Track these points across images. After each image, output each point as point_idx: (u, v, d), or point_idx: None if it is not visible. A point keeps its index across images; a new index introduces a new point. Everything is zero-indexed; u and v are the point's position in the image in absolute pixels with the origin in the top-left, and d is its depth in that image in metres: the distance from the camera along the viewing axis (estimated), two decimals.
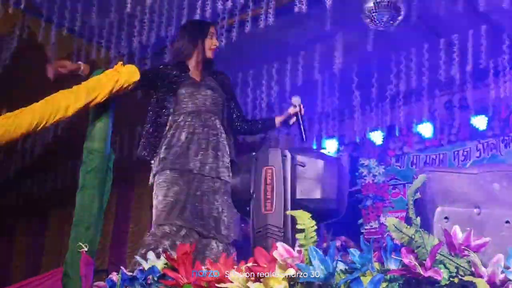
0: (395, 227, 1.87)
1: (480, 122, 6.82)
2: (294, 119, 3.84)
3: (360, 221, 7.36)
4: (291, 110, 3.81)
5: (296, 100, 3.78)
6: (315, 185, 2.57)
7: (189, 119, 3.52)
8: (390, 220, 1.89)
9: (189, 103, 3.59)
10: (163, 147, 3.42)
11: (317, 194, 2.53)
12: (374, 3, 5.20)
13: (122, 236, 8.99)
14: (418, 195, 1.92)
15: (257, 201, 2.56)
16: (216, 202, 3.40)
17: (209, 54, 3.87)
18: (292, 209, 2.48)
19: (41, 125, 2.46)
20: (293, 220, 2.45)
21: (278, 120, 3.99)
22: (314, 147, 7.66)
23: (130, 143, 7.70)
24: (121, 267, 2.57)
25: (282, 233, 2.47)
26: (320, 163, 2.61)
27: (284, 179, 2.54)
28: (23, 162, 7.90)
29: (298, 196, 2.57)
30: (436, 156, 7.18)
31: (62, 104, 2.51)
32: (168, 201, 3.23)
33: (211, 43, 3.87)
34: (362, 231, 7.22)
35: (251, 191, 2.60)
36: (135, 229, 8.98)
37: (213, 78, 3.88)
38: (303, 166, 2.61)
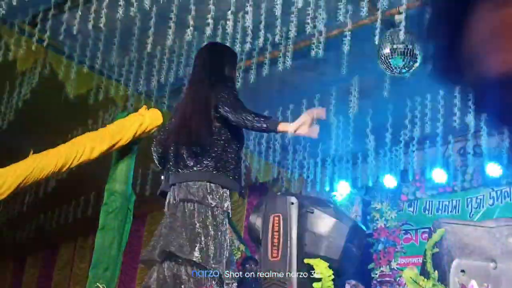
0: (412, 279, 1.88)
1: (494, 169, 6.81)
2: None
3: (372, 265, 7.31)
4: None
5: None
6: (320, 241, 2.56)
7: None
8: (408, 273, 1.90)
9: None
10: None
11: (321, 251, 2.51)
12: (390, 49, 5.26)
13: (131, 272, 8.97)
14: (436, 249, 1.93)
15: (264, 248, 2.56)
16: None
17: None
18: (300, 256, 2.48)
19: (66, 167, 2.50)
20: (300, 266, 2.46)
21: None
22: (328, 190, 7.65)
23: (142, 180, 7.74)
24: None
25: (286, 281, 2.46)
26: (331, 221, 2.59)
27: (291, 227, 2.53)
28: (36, 195, 7.95)
29: (304, 248, 2.56)
30: (449, 202, 7.16)
31: (87, 146, 2.54)
32: None
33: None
34: (373, 275, 7.16)
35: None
36: (144, 266, 8.96)
37: None
38: (311, 213, 2.62)
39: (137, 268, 9.00)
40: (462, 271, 2.08)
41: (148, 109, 2.75)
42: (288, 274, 2.43)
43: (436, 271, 1.85)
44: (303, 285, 2.18)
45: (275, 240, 2.53)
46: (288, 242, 2.47)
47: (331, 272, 1.98)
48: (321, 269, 1.99)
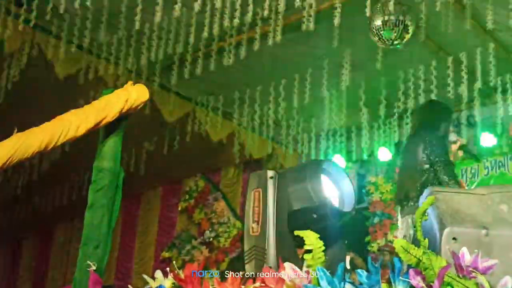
0: (403, 248, 1.86)
1: (488, 139, 6.80)
2: None
3: (368, 238, 7.33)
4: None
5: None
6: (304, 192, 2.53)
7: None
8: (398, 242, 1.88)
9: None
10: None
11: (297, 205, 2.50)
12: (382, 21, 5.21)
13: (128, 251, 8.99)
14: (426, 216, 1.92)
15: (246, 223, 2.57)
16: None
17: None
18: (281, 230, 2.47)
19: (52, 145, 2.47)
20: (279, 240, 2.46)
21: None
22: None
23: (137, 159, 7.73)
24: (129, 285, 2.56)
25: (265, 254, 2.46)
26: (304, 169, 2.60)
27: (269, 201, 2.53)
28: (30, 177, 7.94)
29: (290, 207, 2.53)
30: None
31: (73, 124, 2.51)
32: None
33: None
34: (369, 248, 7.18)
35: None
36: (141, 244, 8.98)
37: None
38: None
39: (134, 248, 9.02)
40: (454, 238, 2.07)
41: (134, 85, 2.72)
42: (267, 247, 2.42)
43: (426, 239, 1.84)
44: (291, 258, 2.15)
45: (255, 216, 2.53)
46: (267, 215, 2.47)
47: (321, 243, 1.96)
48: (311, 240, 1.97)
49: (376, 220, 7.31)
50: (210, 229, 8.39)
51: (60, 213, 8.99)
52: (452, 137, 4.74)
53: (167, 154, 7.41)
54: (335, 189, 2.64)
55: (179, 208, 8.78)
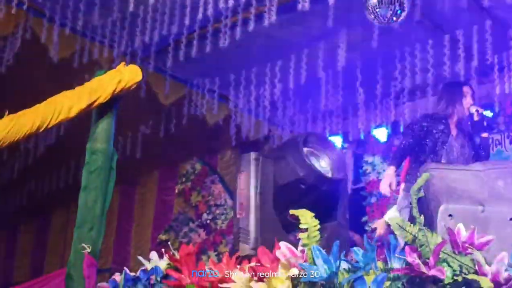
0: (399, 225, 1.85)
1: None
2: None
3: (365, 218, 7.34)
4: None
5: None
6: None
7: None
8: (394, 219, 1.87)
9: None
10: None
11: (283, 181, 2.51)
12: None
13: (125, 235, 9.00)
14: (421, 193, 1.91)
15: (234, 206, 2.57)
16: None
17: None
18: (266, 211, 2.48)
19: (44, 127, 2.45)
20: (263, 222, 2.46)
21: None
22: None
23: (133, 143, 7.71)
24: (125, 267, 2.56)
25: (249, 236, 2.46)
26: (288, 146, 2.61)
27: (251, 182, 2.52)
28: (26, 162, 7.92)
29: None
30: None
31: (65, 105, 2.50)
32: None
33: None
34: (366, 228, 7.19)
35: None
36: (138, 228, 8.99)
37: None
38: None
39: (131, 231, 9.03)
40: (450, 215, 2.06)
41: (127, 66, 2.70)
42: (248, 228, 2.43)
43: (422, 216, 1.83)
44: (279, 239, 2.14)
45: (242, 198, 2.53)
46: (253, 197, 2.48)
47: (317, 222, 1.95)
48: (307, 219, 1.96)
49: (373, 199, 7.32)
50: (207, 212, 8.40)
51: (57, 198, 8.98)
52: None
53: (163, 138, 7.39)
54: (322, 158, 2.63)
55: (176, 191, 8.78)
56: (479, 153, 4.53)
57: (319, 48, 6.20)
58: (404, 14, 5.20)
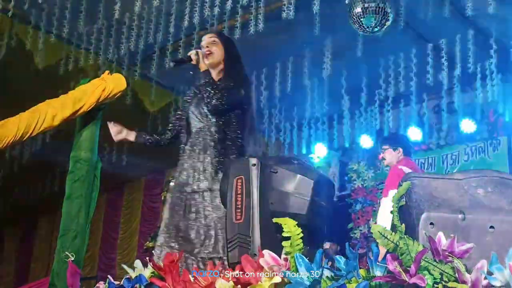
0: (380, 233, 1.87)
1: (468, 125, 6.84)
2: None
3: (350, 225, 7.36)
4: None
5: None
6: (287, 198, 2.56)
7: None
8: (375, 227, 1.89)
9: None
10: None
11: (288, 208, 2.51)
12: (362, 8, 5.22)
13: (111, 243, 8.97)
14: (403, 201, 1.93)
15: (229, 211, 2.55)
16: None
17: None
18: (265, 216, 2.47)
19: (27, 135, 2.45)
20: (264, 228, 2.46)
21: None
22: (304, 152, 7.67)
23: (119, 150, 7.69)
24: (109, 275, 2.56)
25: (250, 242, 2.46)
26: (295, 177, 2.59)
27: (252, 188, 2.52)
28: (11, 169, 7.87)
29: (270, 207, 2.55)
30: (425, 160, 7.20)
31: (49, 113, 2.50)
32: None
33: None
34: (351, 235, 7.22)
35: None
36: (124, 235, 8.96)
37: None
38: (275, 173, 2.60)
39: (117, 239, 9.00)
40: (431, 223, 2.08)
41: (111, 74, 2.71)
42: (251, 235, 2.42)
43: (403, 224, 1.85)
44: (274, 245, 2.16)
45: (238, 203, 2.51)
46: (251, 203, 2.46)
47: (299, 230, 1.97)
48: (290, 227, 1.98)
49: (358, 207, 7.35)
50: None
51: (43, 205, 8.93)
52: None
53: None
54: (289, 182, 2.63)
55: (162, 198, 8.76)
56: None
57: (304, 56, 6.24)
58: (388, 23, 5.25)
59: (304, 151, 7.64)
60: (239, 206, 2.50)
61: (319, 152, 7.81)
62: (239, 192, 2.52)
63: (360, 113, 7.13)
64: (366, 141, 7.47)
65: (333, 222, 2.94)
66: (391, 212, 1.91)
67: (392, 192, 4.53)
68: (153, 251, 3.00)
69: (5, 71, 5.83)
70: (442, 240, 1.84)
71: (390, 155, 5.24)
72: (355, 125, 7.23)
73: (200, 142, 3.22)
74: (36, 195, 8.80)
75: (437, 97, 6.74)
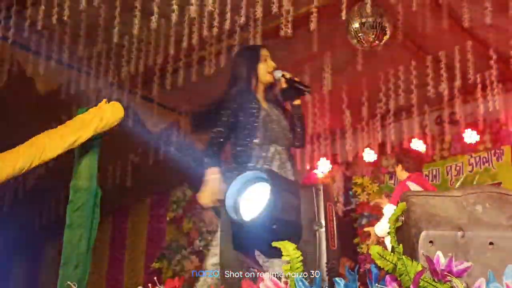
0: (379, 254, 1.87)
1: (471, 136, 6.83)
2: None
3: (357, 240, 7.34)
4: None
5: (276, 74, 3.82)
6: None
7: None
8: (374, 248, 1.89)
9: None
10: None
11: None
12: (359, 23, 5.24)
13: (118, 265, 8.95)
14: (399, 222, 1.93)
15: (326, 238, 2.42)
16: None
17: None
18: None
19: (26, 168, 2.46)
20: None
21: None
22: (309, 168, 7.66)
23: (123, 172, 7.71)
24: None
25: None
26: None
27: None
28: (16, 194, 7.88)
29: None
30: (429, 172, 7.18)
31: (47, 146, 2.51)
32: None
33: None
34: (358, 250, 7.20)
35: None
36: (130, 257, 8.95)
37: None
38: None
39: (123, 260, 8.98)
40: (431, 242, 2.08)
41: (109, 103, 2.72)
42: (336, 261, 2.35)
43: (400, 245, 1.85)
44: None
45: (330, 228, 2.42)
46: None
47: (299, 253, 1.97)
48: (289, 251, 1.98)
49: (364, 221, 7.33)
50: (199, 238, 8.38)
51: (48, 231, 8.91)
52: None
53: (152, 165, 7.39)
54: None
55: (168, 219, 8.76)
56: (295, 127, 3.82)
57: (304, 72, 6.25)
58: (386, 37, 5.28)
59: (307, 166, 7.64)
60: (331, 231, 2.40)
61: (323, 167, 7.81)
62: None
63: (362, 127, 7.13)
64: (369, 155, 7.47)
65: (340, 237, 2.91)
66: (389, 233, 1.92)
67: (391, 208, 4.53)
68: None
69: (7, 98, 5.86)
70: (440, 260, 1.84)
71: (400, 171, 5.35)
72: (357, 139, 7.22)
73: None
74: (42, 221, 8.77)
75: (438, 108, 6.76)
